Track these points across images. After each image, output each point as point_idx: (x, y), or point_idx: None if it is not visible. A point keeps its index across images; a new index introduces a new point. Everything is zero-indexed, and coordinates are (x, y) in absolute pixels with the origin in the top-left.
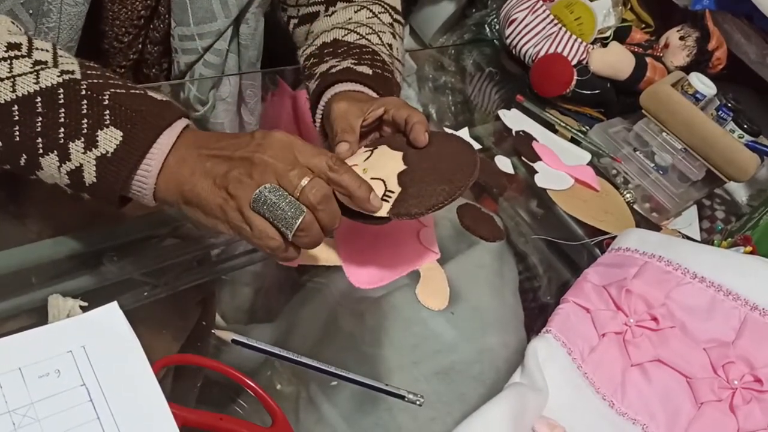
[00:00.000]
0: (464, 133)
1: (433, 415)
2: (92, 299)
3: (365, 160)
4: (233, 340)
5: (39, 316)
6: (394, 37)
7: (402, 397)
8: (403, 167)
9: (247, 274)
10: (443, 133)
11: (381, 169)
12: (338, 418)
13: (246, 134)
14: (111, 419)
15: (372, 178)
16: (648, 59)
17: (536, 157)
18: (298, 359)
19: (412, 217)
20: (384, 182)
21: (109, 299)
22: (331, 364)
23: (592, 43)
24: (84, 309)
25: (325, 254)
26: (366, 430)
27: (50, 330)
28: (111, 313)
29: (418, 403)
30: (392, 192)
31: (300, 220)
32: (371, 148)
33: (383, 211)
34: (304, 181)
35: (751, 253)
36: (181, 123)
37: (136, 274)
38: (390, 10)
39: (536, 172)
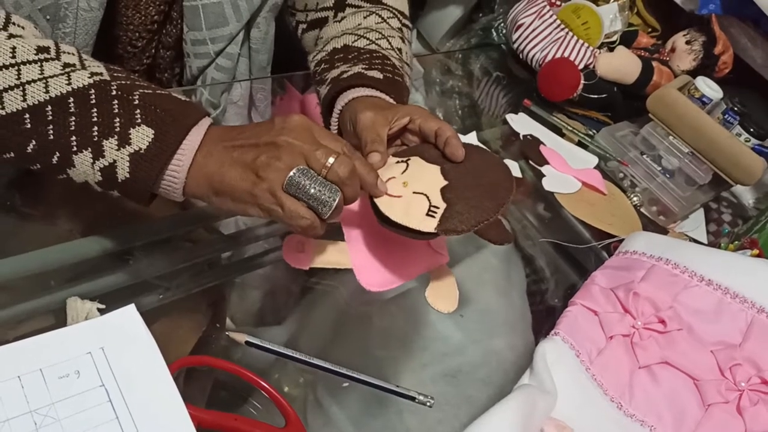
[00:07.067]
0: (472, 137)
1: (441, 418)
2: (108, 302)
3: (402, 172)
4: (247, 342)
5: (58, 319)
6: (403, 41)
7: (413, 398)
8: (444, 182)
9: (256, 277)
10: (472, 145)
11: (422, 184)
12: (346, 421)
13: (266, 122)
14: (129, 419)
15: (414, 192)
16: (654, 63)
17: (543, 161)
18: (313, 362)
19: (459, 234)
20: (427, 197)
21: (123, 302)
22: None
23: (599, 47)
24: (101, 311)
25: (335, 257)
26: None
27: (70, 332)
28: (128, 315)
29: (428, 404)
30: (437, 207)
31: (337, 199)
32: (404, 160)
33: (431, 226)
34: (331, 160)
35: (758, 256)
36: (206, 121)
37: (150, 277)
38: (398, 15)
39: (544, 175)
